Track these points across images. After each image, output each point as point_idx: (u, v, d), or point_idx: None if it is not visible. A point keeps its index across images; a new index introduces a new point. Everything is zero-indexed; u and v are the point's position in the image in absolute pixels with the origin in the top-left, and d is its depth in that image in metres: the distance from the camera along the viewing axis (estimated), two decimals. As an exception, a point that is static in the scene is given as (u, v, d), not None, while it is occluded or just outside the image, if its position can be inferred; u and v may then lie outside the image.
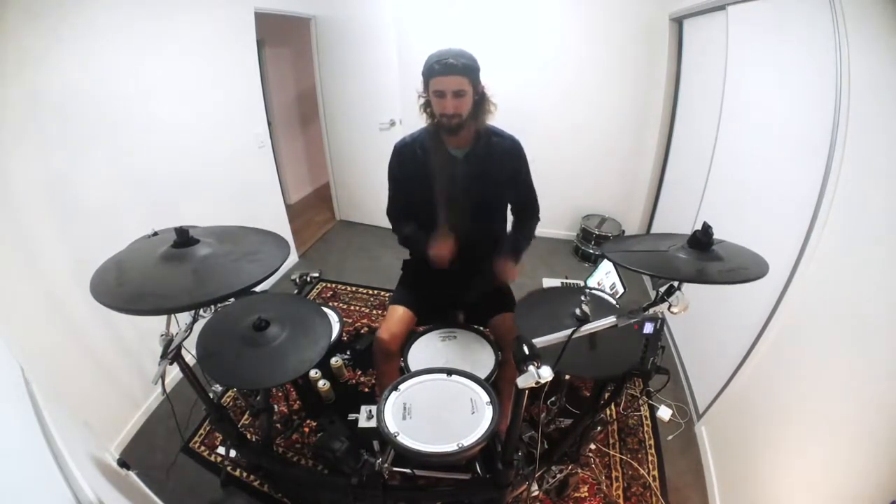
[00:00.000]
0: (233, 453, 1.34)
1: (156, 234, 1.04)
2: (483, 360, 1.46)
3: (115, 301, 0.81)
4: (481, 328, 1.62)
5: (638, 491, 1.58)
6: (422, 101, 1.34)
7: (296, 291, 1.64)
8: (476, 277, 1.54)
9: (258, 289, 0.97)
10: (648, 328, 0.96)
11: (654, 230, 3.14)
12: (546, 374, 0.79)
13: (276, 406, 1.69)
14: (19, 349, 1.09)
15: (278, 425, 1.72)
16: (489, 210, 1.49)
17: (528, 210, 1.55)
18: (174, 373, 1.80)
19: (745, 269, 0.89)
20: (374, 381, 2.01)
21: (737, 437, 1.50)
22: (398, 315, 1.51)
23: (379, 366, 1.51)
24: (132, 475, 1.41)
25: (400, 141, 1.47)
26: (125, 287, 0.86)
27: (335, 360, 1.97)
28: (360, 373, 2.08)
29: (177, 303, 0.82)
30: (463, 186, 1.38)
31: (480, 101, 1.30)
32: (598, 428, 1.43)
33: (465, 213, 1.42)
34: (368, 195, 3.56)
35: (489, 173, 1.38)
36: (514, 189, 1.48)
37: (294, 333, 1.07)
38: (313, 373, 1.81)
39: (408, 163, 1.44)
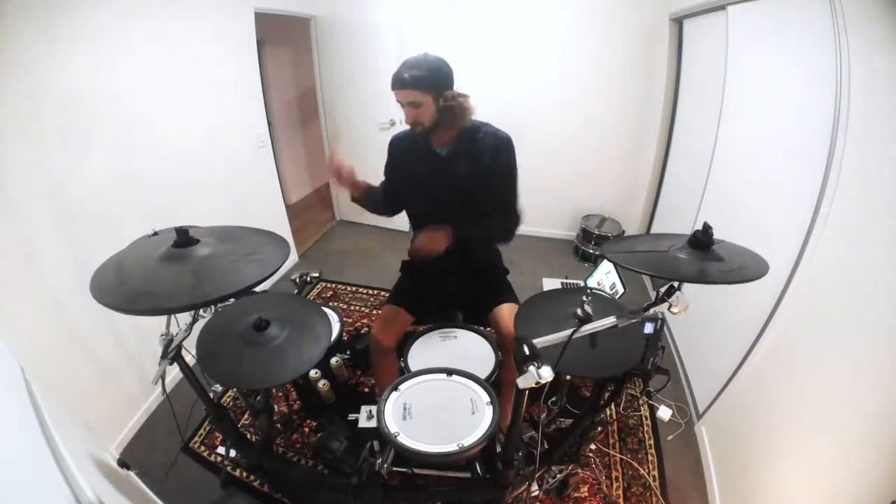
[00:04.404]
0: (233, 453, 1.34)
1: (156, 233, 1.04)
2: (483, 360, 1.46)
3: (115, 301, 0.81)
4: (481, 328, 1.62)
5: (638, 491, 1.58)
6: None
7: (296, 291, 1.64)
8: (467, 274, 1.54)
9: (258, 289, 0.97)
10: (648, 328, 0.96)
11: (654, 230, 3.14)
12: (546, 374, 0.79)
13: (276, 406, 1.69)
14: (20, 350, 1.09)
15: (278, 425, 1.72)
16: (477, 205, 1.47)
17: (502, 210, 1.42)
18: (174, 373, 1.80)
19: (746, 269, 0.89)
20: (374, 381, 2.01)
21: (737, 437, 1.50)
22: (391, 313, 1.52)
23: (374, 362, 1.52)
24: (132, 475, 1.41)
25: (395, 135, 1.51)
26: (125, 287, 0.86)
27: (335, 360, 1.97)
28: (360, 373, 2.08)
29: (177, 303, 0.82)
30: (447, 184, 1.38)
31: (450, 106, 1.28)
32: (599, 428, 1.44)
33: (454, 209, 1.42)
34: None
35: (473, 170, 1.37)
36: (489, 185, 1.38)
37: (294, 333, 1.07)
38: (313, 373, 1.80)
39: (398, 157, 1.48)
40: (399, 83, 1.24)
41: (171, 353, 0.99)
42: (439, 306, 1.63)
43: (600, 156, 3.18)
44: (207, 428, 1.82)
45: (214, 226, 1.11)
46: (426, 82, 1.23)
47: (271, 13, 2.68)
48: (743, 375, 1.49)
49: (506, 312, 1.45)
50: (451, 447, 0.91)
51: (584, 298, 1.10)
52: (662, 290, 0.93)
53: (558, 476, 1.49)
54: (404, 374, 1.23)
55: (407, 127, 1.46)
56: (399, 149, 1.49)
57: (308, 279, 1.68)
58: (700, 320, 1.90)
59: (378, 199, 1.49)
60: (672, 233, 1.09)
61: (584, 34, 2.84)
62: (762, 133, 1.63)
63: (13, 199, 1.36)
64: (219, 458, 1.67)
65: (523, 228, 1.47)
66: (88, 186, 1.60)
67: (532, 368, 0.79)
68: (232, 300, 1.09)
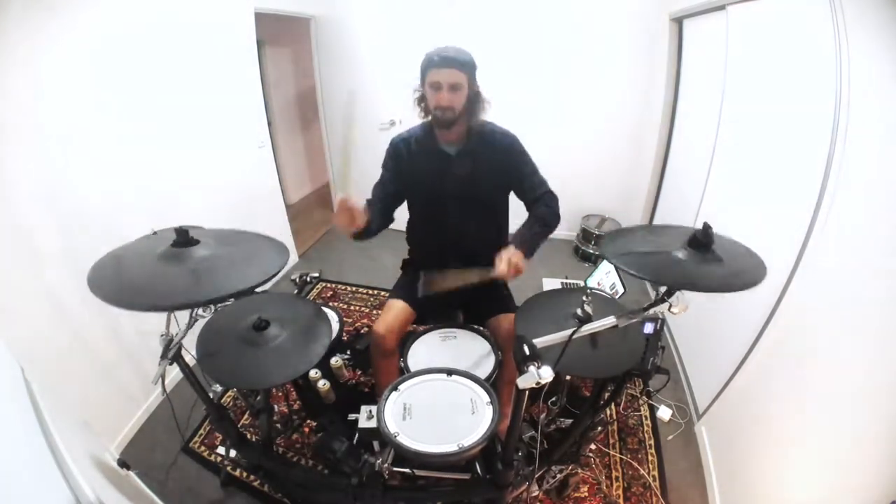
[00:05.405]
0: (233, 453, 1.34)
1: (155, 233, 1.04)
2: (483, 360, 1.46)
3: (112, 295, 0.81)
4: (481, 328, 1.62)
5: (638, 491, 1.58)
6: (417, 95, 1.34)
7: (296, 291, 1.64)
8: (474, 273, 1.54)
9: (258, 289, 0.97)
10: (648, 328, 0.96)
11: (654, 230, 3.14)
12: (546, 374, 0.79)
13: (276, 406, 1.69)
14: (20, 350, 1.08)
15: (278, 425, 1.72)
16: (485, 205, 1.47)
17: (544, 196, 1.44)
18: (174, 373, 1.80)
19: (745, 272, 0.89)
20: (374, 381, 2.01)
21: (737, 437, 1.50)
22: (395, 309, 1.50)
23: (376, 362, 1.51)
24: (132, 475, 1.41)
25: (396, 136, 1.47)
26: (122, 282, 0.86)
27: (335, 360, 1.96)
28: (360, 373, 2.08)
29: (174, 301, 0.82)
30: (457, 182, 1.38)
31: (475, 99, 1.31)
32: (599, 428, 1.44)
33: (461, 209, 1.42)
34: (368, 195, 3.56)
35: (483, 168, 1.37)
36: (518, 182, 1.43)
37: (294, 333, 1.07)
38: (313, 373, 1.80)
39: (402, 158, 1.43)
40: (447, 62, 1.21)
41: (171, 353, 0.99)
42: (440, 305, 1.63)
43: (600, 156, 3.18)
44: (207, 428, 1.82)
45: (214, 228, 1.11)
46: (469, 66, 1.25)
47: (271, 13, 2.68)
48: (743, 375, 1.49)
49: (504, 323, 1.44)
50: (450, 447, 0.91)
51: (584, 298, 1.10)
52: (662, 290, 0.93)
53: (558, 476, 1.49)
54: (404, 374, 1.23)
55: (405, 128, 1.45)
56: (404, 150, 1.43)
57: (308, 279, 1.68)
58: (700, 320, 1.90)
59: (370, 226, 1.36)
60: (671, 224, 1.10)
61: (584, 34, 2.84)
62: (762, 133, 1.63)
63: (13, 198, 1.36)
64: (219, 458, 1.67)
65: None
66: (88, 186, 1.60)
67: (532, 368, 0.79)
68: (232, 300, 1.09)
